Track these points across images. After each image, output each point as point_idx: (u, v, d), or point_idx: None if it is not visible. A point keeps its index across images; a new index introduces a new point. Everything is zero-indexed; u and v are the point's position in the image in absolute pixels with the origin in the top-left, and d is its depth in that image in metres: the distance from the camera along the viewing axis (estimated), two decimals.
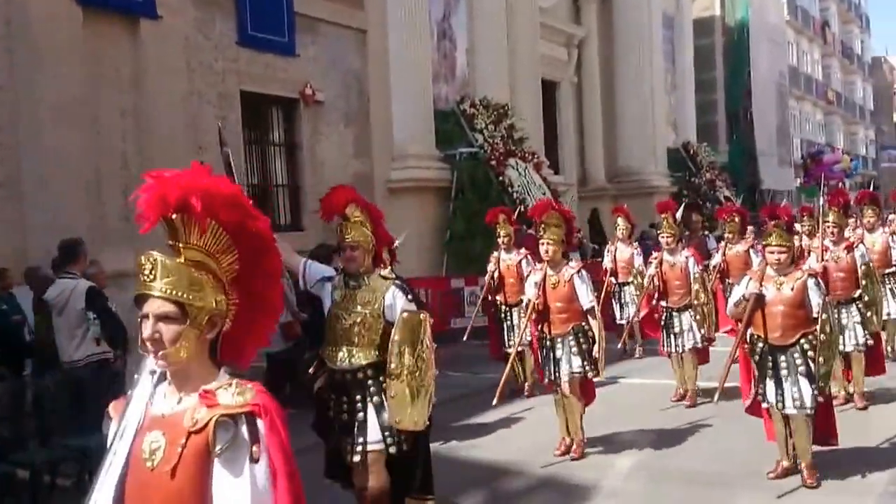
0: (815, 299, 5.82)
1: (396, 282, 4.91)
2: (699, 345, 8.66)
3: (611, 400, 8.70)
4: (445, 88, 16.01)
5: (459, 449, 7.38)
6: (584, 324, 6.70)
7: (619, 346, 9.29)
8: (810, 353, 5.80)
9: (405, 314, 4.67)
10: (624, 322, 10.78)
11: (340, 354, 4.81)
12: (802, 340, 5.84)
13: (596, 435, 7.23)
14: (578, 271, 6.73)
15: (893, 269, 10.06)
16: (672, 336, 8.71)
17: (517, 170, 15.22)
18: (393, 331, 4.65)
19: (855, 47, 55.02)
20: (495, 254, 9.45)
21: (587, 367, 6.69)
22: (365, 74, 14.48)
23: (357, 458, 4.76)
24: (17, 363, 7.45)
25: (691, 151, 25.54)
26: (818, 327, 5.76)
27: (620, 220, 11.50)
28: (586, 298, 6.68)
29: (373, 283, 4.87)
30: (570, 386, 6.70)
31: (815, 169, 33.45)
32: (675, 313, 8.67)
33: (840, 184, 28.85)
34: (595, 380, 7.02)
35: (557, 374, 6.72)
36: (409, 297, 4.87)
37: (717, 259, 10.98)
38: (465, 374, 10.04)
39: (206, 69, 11.74)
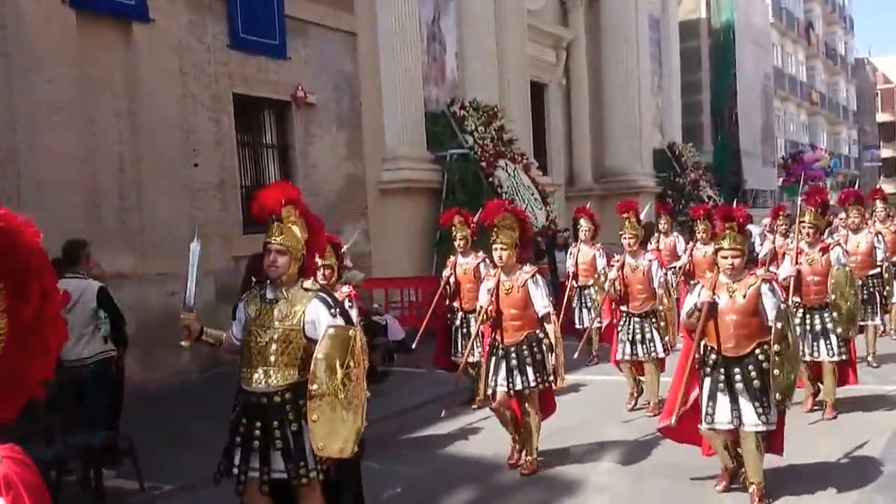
0: (770, 306, 5.43)
1: (320, 293, 4.38)
2: (660, 355, 8.20)
3: (590, 397, 8.84)
4: (436, 91, 16.16)
5: (442, 447, 7.51)
6: (538, 332, 6.40)
7: (576, 354, 8.35)
8: (765, 365, 5.40)
9: (331, 330, 4.14)
10: (582, 327, 10.25)
11: (256, 375, 4.30)
12: (758, 351, 5.46)
13: (578, 431, 7.38)
14: (533, 276, 6.42)
15: (878, 270, 9.89)
16: (628, 343, 8.21)
17: (507, 171, 15.38)
18: (316, 348, 4.11)
19: (839, 48, 55.50)
20: (452, 258, 8.96)
21: (539, 379, 6.34)
22: (356, 77, 14.61)
23: (266, 489, 4.25)
24: None
25: (676, 152, 25.84)
26: (772, 338, 5.33)
27: (583, 221, 11.03)
28: (541, 304, 6.38)
29: (292, 296, 4.35)
30: (528, 400, 6.44)
31: (795, 167, 33.81)
32: (635, 319, 8.21)
33: (820, 182, 29.17)
34: (568, 378, 6.86)
35: (511, 385, 6.33)
36: (334, 310, 4.30)
37: (683, 260, 10.74)
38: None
39: (199, 72, 11.83)
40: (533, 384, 6.35)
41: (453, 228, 8.86)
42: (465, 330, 8.64)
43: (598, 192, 22.22)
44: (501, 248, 6.34)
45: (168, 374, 10.15)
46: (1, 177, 9.44)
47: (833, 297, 7.61)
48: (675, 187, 24.21)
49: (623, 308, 8.34)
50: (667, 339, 8.17)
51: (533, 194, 16.08)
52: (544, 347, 6.35)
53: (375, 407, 8.03)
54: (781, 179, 35.81)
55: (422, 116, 15.20)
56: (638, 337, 8.16)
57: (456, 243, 8.82)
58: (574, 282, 10.81)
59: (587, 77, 23.06)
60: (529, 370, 6.32)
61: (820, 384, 8.01)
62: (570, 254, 11.31)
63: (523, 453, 6.71)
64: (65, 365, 6.66)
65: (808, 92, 47.82)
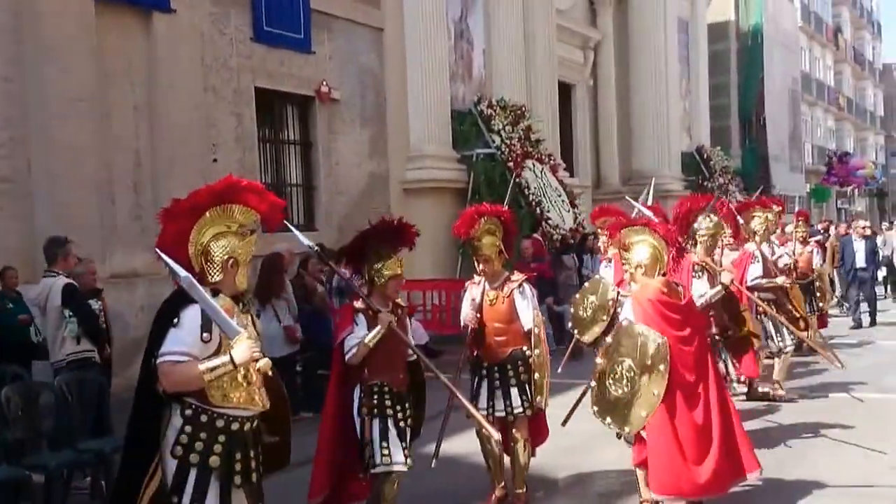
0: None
1: None
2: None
3: (588, 415, 8.40)
4: (462, 88, 15.75)
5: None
6: (524, 348, 5.63)
7: (559, 369, 7.55)
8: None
9: None
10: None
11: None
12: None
13: (574, 454, 6.72)
14: (520, 285, 5.66)
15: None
16: None
17: (534, 172, 14.95)
18: None
19: (866, 53, 54.76)
20: None
21: (527, 403, 5.59)
22: (381, 73, 14.24)
23: None
24: (24, 363, 7.20)
25: (705, 155, 25.48)
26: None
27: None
28: (528, 317, 5.60)
29: None
30: (516, 426, 5.67)
31: (839, 168, 33.27)
32: None
33: (857, 189, 28.65)
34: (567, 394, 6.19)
35: (493, 410, 5.60)
36: None
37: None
38: None
39: (221, 65, 11.49)
40: (519, 409, 5.59)
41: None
42: None
43: (626, 194, 21.76)
44: (483, 256, 5.64)
45: None
46: (12, 169, 9.10)
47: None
48: (704, 191, 23.70)
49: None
50: None
51: (560, 196, 15.64)
52: (531, 366, 5.60)
53: None
54: (821, 178, 35.21)
55: (448, 114, 14.82)
56: None
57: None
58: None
59: (615, 78, 22.70)
60: (514, 392, 5.59)
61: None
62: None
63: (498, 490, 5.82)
64: (53, 367, 6.39)
65: (835, 97, 47.14)
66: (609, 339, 5.32)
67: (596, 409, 5.14)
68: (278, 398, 3.92)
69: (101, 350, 7.05)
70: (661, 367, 4.88)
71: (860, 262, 14.27)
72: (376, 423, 4.85)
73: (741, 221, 8.63)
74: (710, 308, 6.76)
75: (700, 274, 6.74)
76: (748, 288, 7.87)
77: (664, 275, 5.29)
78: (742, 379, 8.20)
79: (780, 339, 8.61)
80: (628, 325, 5.15)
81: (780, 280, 8.50)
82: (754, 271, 8.27)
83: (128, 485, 3.65)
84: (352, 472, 4.99)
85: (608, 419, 5.06)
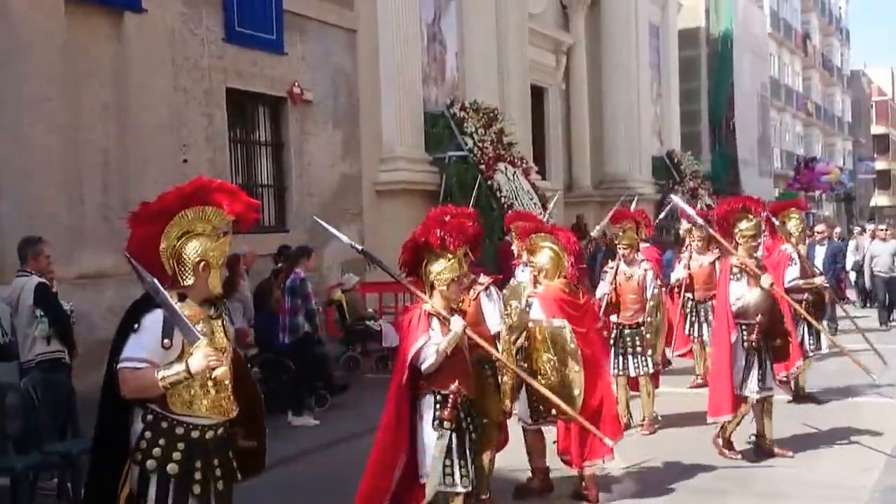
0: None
1: None
2: (650, 370, 7.81)
3: None
4: (435, 91, 15.80)
5: None
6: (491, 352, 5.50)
7: None
8: None
9: None
10: None
11: None
12: None
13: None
14: (487, 288, 5.59)
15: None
16: (620, 357, 7.81)
17: (506, 175, 15.02)
18: None
19: (835, 60, 55.56)
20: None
21: None
22: (354, 75, 14.25)
23: None
24: None
25: (675, 160, 25.69)
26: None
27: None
28: (494, 321, 5.50)
29: None
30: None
31: (805, 174, 33.74)
32: (626, 331, 7.82)
33: (823, 195, 29.04)
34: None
35: None
36: None
37: (681, 272, 9.82)
38: None
39: (192, 65, 11.44)
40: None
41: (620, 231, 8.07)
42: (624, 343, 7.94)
43: (597, 198, 21.95)
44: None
45: None
46: None
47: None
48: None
49: (613, 318, 7.88)
50: (656, 353, 7.88)
51: (532, 199, 15.71)
52: (497, 370, 5.48)
53: (358, 420, 7.85)
54: (787, 183, 35.68)
55: (421, 117, 14.86)
56: (630, 350, 7.79)
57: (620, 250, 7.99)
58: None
59: (587, 82, 22.86)
60: None
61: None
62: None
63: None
64: (22, 367, 6.34)
65: (803, 103, 47.80)
66: (522, 340, 5.67)
67: (541, 408, 5.53)
68: (252, 400, 3.85)
69: (71, 351, 6.99)
70: (572, 345, 5.49)
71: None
72: (444, 436, 4.58)
73: (776, 223, 8.41)
74: (759, 313, 6.67)
75: (739, 276, 6.74)
76: (786, 290, 7.75)
77: (565, 277, 5.80)
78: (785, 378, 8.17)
79: (812, 342, 8.63)
80: (535, 325, 5.64)
81: (819, 280, 8.43)
82: (792, 273, 8.19)
83: (100, 489, 3.61)
84: (409, 485, 4.74)
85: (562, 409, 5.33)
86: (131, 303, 3.62)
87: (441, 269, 4.67)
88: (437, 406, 4.62)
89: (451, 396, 4.58)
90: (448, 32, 16.33)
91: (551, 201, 12.90)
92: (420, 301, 4.70)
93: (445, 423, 4.57)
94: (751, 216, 6.90)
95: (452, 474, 4.59)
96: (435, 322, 4.64)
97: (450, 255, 4.69)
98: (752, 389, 6.73)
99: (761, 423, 6.96)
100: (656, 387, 8.06)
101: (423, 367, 4.57)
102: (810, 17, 49.82)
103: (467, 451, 4.70)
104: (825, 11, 53.07)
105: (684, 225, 10.50)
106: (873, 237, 16.89)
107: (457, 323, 4.62)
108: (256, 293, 9.41)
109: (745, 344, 6.71)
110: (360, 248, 5.07)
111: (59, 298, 7.23)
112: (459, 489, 4.62)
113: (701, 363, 10.06)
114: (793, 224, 8.53)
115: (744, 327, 6.72)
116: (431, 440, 4.59)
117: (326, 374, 9.56)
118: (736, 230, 6.84)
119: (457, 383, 4.63)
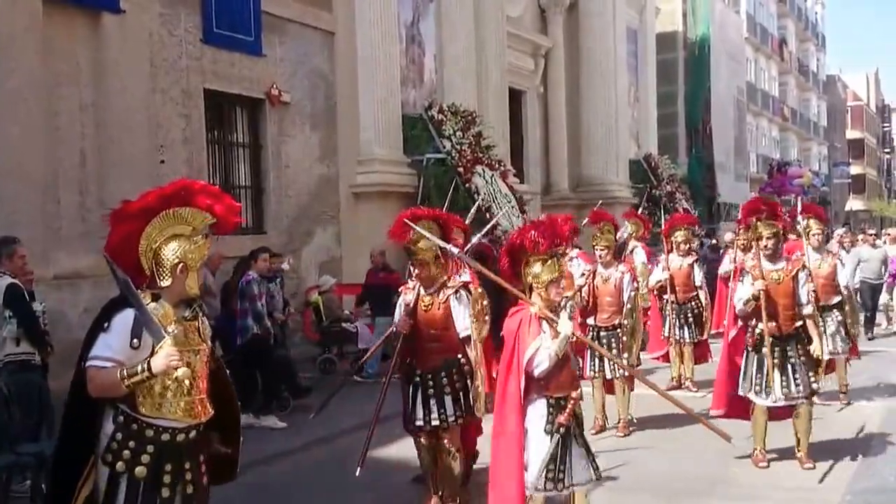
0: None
1: None
2: (626, 373, 7.81)
3: None
4: (413, 93, 15.85)
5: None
6: (459, 356, 5.59)
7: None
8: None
9: None
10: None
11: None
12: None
13: None
14: (456, 291, 5.58)
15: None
16: (597, 359, 7.84)
17: (484, 177, 15.10)
18: None
19: (811, 65, 56.13)
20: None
21: (459, 412, 5.56)
22: (332, 77, 14.29)
23: None
24: None
25: (652, 163, 25.77)
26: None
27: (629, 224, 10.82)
28: (463, 324, 5.52)
29: None
30: (448, 436, 5.60)
31: (777, 178, 34.01)
32: (603, 333, 7.95)
33: (797, 198, 29.24)
34: None
35: (428, 419, 5.55)
36: None
37: (661, 275, 10.11)
38: None
39: (170, 66, 11.44)
40: (452, 418, 5.55)
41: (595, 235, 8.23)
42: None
43: (575, 201, 22.06)
44: (419, 260, 5.55)
45: None
46: None
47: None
48: (651, 199, 24.06)
49: (590, 321, 8.00)
50: (632, 355, 7.94)
51: (510, 202, 15.80)
52: (465, 374, 5.57)
53: (347, 417, 7.89)
54: (759, 187, 35.97)
55: (399, 119, 14.88)
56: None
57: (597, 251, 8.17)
58: None
59: (565, 85, 22.93)
60: (448, 401, 5.54)
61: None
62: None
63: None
64: None
65: (779, 107, 48.25)
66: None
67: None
68: (228, 403, 3.82)
69: (42, 353, 6.96)
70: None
71: None
72: (555, 440, 4.49)
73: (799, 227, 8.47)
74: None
75: (744, 278, 6.74)
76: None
77: None
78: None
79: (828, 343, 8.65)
80: None
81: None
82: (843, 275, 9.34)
83: (61, 488, 3.58)
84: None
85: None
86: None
87: (539, 271, 4.60)
88: (551, 410, 4.52)
89: (573, 402, 4.51)
90: (427, 35, 16.39)
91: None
92: (523, 304, 4.61)
93: (562, 428, 4.48)
94: (771, 220, 6.82)
95: (562, 479, 4.50)
96: (546, 325, 4.56)
97: (546, 257, 4.62)
98: (756, 393, 6.70)
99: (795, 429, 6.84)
100: (631, 389, 8.09)
101: (537, 372, 4.47)
102: (787, 23, 50.30)
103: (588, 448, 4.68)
104: (801, 17, 53.63)
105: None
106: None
107: (566, 325, 4.52)
108: (221, 295, 9.52)
109: (748, 345, 6.78)
110: (454, 249, 5.26)
111: (37, 299, 7.24)
112: (577, 488, 4.56)
113: (677, 366, 10.19)
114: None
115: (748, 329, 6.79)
116: (544, 446, 4.49)
117: (289, 376, 9.46)
118: (757, 234, 6.82)
119: (580, 391, 4.61)
